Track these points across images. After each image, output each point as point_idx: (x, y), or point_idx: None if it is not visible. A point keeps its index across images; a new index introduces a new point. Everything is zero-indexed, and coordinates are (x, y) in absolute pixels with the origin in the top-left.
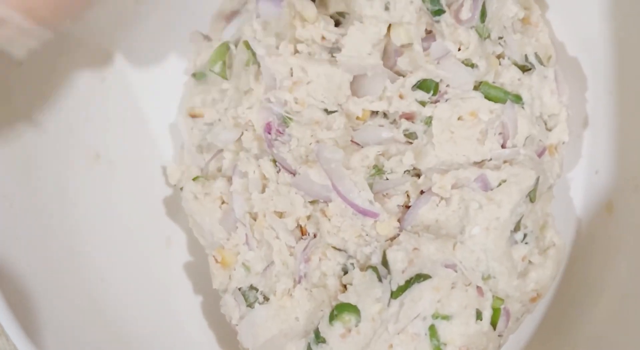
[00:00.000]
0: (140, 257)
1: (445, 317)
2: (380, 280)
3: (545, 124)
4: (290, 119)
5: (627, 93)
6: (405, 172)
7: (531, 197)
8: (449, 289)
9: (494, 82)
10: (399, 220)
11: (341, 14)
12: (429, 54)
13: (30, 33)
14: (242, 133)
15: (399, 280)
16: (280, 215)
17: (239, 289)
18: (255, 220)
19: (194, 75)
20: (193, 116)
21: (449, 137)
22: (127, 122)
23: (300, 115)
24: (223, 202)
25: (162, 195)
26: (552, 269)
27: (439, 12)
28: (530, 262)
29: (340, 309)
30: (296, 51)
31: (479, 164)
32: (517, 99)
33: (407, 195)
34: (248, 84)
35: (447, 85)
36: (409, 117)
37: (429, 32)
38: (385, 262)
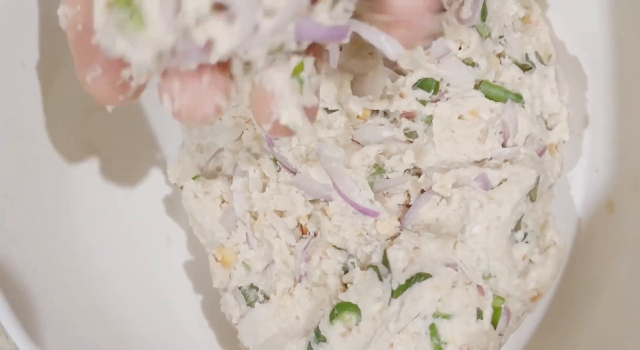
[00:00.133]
0: (140, 256)
1: (446, 316)
2: (380, 279)
3: (546, 123)
4: None
5: (628, 92)
6: (405, 171)
7: (532, 196)
8: (449, 288)
9: (494, 81)
10: (399, 219)
11: None
12: (430, 53)
13: None
14: (243, 132)
15: (399, 279)
16: (281, 214)
17: (239, 288)
18: (255, 219)
19: None
20: None
21: (449, 136)
22: (127, 120)
23: None
24: (223, 201)
25: (162, 194)
26: (552, 268)
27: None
28: (530, 261)
29: (340, 308)
30: None
31: (480, 163)
32: (518, 98)
33: (408, 194)
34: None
35: (448, 84)
36: (410, 116)
37: None
38: (385, 261)
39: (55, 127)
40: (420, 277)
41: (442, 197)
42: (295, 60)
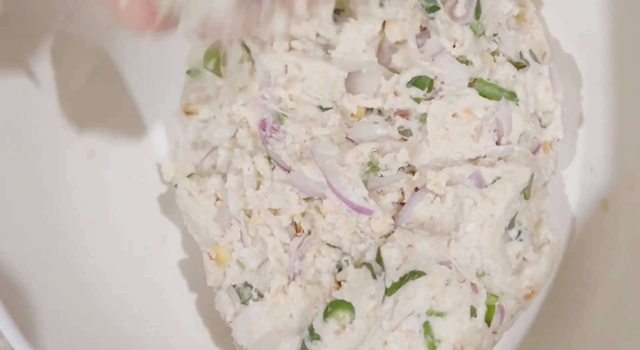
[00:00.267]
0: (135, 254)
1: (440, 314)
2: (374, 277)
3: (540, 121)
4: (284, 116)
5: (623, 90)
6: (399, 169)
7: (526, 194)
8: (443, 285)
9: (488, 79)
10: (393, 217)
11: (336, 11)
12: (424, 51)
13: None
14: (237, 130)
15: (393, 277)
16: (275, 212)
17: (234, 286)
18: (249, 217)
19: (188, 72)
20: (187, 113)
21: (443, 134)
22: (122, 119)
23: (295, 112)
24: (218, 199)
25: (157, 192)
26: (546, 266)
27: (434, 8)
28: (524, 259)
29: (334, 306)
30: (291, 48)
31: (474, 160)
32: (512, 95)
33: (402, 192)
34: (242, 81)
35: (442, 82)
36: (404, 114)
37: (423, 29)
38: (379, 259)
39: (51, 126)
40: (414, 275)
41: (436, 195)
42: None
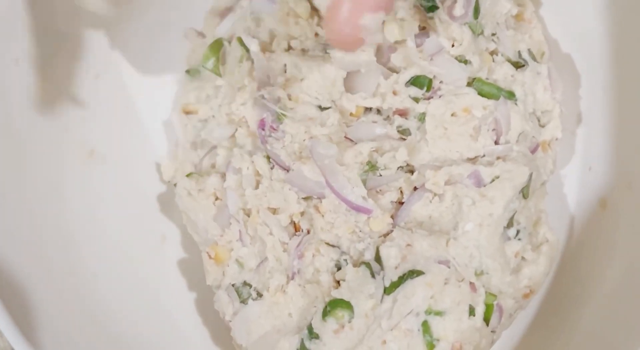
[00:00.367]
0: (134, 254)
1: (438, 313)
2: (373, 276)
3: (539, 121)
4: (283, 115)
5: (621, 89)
6: (398, 168)
7: (524, 193)
8: (442, 285)
9: (487, 79)
10: (392, 217)
11: None
12: (423, 51)
13: None
14: (236, 129)
15: (392, 276)
16: (274, 211)
17: (233, 285)
18: (248, 216)
19: (187, 71)
20: (187, 113)
21: (442, 133)
22: (121, 118)
23: (294, 112)
24: (217, 199)
25: (156, 191)
26: (545, 265)
27: (433, 8)
28: (523, 258)
29: (333, 305)
30: (290, 48)
31: (472, 160)
32: (511, 95)
33: (401, 192)
34: (242, 81)
35: (441, 82)
36: (403, 113)
37: (422, 29)
38: (378, 258)
39: (49, 125)
40: (413, 274)
41: (435, 195)
42: None
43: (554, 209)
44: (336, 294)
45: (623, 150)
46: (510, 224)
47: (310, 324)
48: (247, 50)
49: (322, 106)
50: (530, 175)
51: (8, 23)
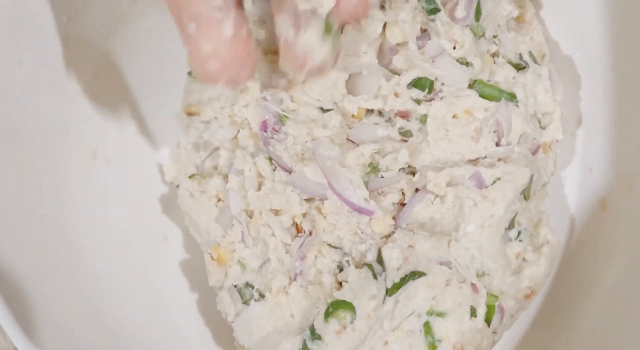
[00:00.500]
0: (136, 255)
1: (440, 314)
2: (375, 277)
3: (540, 122)
4: (286, 117)
5: (622, 91)
6: (400, 170)
7: (525, 194)
8: (443, 286)
9: (488, 81)
10: (394, 218)
11: None
12: (424, 53)
13: None
14: (239, 131)
15: (394, 277)
16: (276, 212)
17: (235, 286)
18: (251, 217)
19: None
20: (189, 114)
21: (443, 135)
22: (123, 120)
23: (296, 114)
24: (219, 200)
25: (159, 193)
26: (546, 266)
27: (434, 10)
28: (524, 259)
29: (335, 306)
30: None
31: (474, 161)
32: (512, 97)
33: (402, 193)
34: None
35: (442, 84)
36: (404, 115)
37: (424, 31)
38: (380, 260)
39: (52, 126)
40: (415, 275)
41: (437, 196)
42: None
43: (554, 210)
44: (338, 295)
45: (623, 151)
46: (511, 226)
47: (313, 325)
48: None
49: (324, 108)
50: (531, 177)
51: (11, 24)
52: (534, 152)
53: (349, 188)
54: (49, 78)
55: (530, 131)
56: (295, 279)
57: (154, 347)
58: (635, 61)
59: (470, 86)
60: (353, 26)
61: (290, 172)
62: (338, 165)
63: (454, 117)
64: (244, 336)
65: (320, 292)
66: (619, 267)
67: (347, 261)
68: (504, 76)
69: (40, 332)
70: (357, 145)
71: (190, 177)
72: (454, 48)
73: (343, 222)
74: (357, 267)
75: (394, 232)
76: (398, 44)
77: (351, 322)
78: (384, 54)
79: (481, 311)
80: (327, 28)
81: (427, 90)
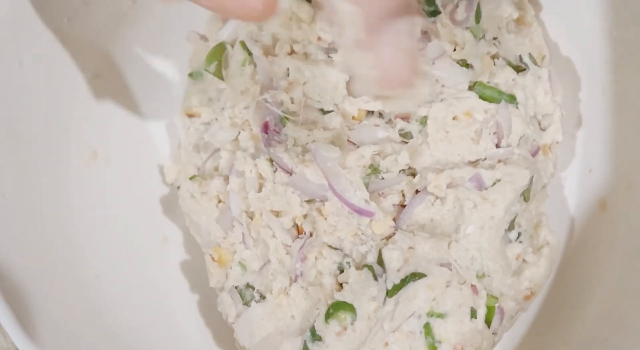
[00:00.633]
0: (136, 256)
1: (440, 315)
2: (375, 278)
3: (539, 124)
4: (286, 118)
5: (621, 93)
6: (400, 171)
7: (525, 196)
8: (443, 287)
9: (488, 82)
10: (394, 219)
11: None
12: (425, 55)
13: None
14: (239, 132)
15: (394, 278)
16: (277, 214)
17: (236, 287)
18: (251, 219)
19: (190, 75)
20: (190, 116)
21: (444, 136)
22: (124, 121)
23: (297, 115)
24: (220, 201)
25: (159, 194)
26: (545, 268)
27: (435, 13)
28: (524, 260)
29: (336, 308)
30: (292, 52)
31: (474, 163)
32: (512, 99)
33: (403, 195)
34: (244, 84)
35: (443, 85)
36: (404, 117)
37: (424, 33)
38: (380, 261)
39: (52, 126)
40: (415, 276)
41: (437, 197)
42: None
43: (554, 211)
44: (339, 296)
45: (622, 153)
46: (511, 227)
47: (313, 326)
48: (250, 54)
49: (325, 110)
50: (531, 179)
51: (11, 25)
52: (534, 154)
53: (349, 189)
54: (49, 78)
55: (530, 133)
56: (295, 280)
57: (154, 348)
58: (635, 63)
59: (471, 88)
60: None
61: (290, 174)
62: (338, 167)
63: (454, 118)
64: (245, 337)
65: (320, 293)
66: (619, 267)
67: (348, 262)
68: (504, 78)
69: (40, 332)
70: (358, 146)
71: (191, 178)
72: (454, 50)
73: (343, 223)
74: (357, 268)
75: (394, 234)
76: None
77: (352, 323)
78: None
79: (481, 312)
80: None
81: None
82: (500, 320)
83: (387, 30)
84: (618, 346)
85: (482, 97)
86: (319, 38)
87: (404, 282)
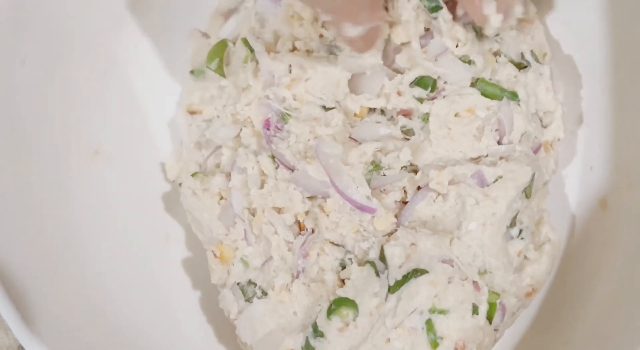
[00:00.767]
0: (138, 253)
1: (442, 312)
2: (377, 275)
3: (541, 121)
4: (288, 115)
5: (622, 90)
6: (402, 168)
7: (527, 193)
8: (445, 283)
9: (490, 79)
10: (396, 216)
11: None
12: (427, 51)
13: None
14: (241, 129)
15: (396, 275)
16: (279, 210)
17: (238, 284)
18: (253, 215)
19: (192, 72)
20: (192, 113)
21: (446, 133)
22: (126, 118)
23: (299, 112)
24: (222, 198)
25: (161, 191)
26: (547, 264)
27: (437, 8)
28: (525, 257)
29: (338, 304)
30: (294, 48)
31: (476, 160)
32: (513, 96)
33: (405, 191)
34: (246, 81)
35: (445, 82)
36: (407, 113)
37: (426, 30)
38: (382, 257)
39: (52, 126)
40: (417, 273)
41: (439, 194)
42: None
43: (555, 208)
44: (341, 292)
45: (624, 150)
46: (513, 224)
47: (315, 323)
48: (252, 50)
49: (327, 106)
50: (533, 175)
51: (14, 23)
52: (536, 151)
53: (351, 186)
54: (49, 78)
55: (531, 130)
56: (297, 277)
57: (156, 345)
58: (636, 60)
59: (473, 85)
60: None
61: (292, 170)
62: (340, 163)
63: (456, 115)
64: (247, 334)
65: (322, 289)
66: (619, 265)
67: (350, 259)
68: (505, 75)
69: (42, 329)
70: (360, 143)
71: (192, 175)
72: (457, 46)
73: (345, 219)
74: (359, 264)
75: (396, 230)
76: (401, 43)
77: (353, 320)
78: (388, 53)
79: (483, 309)
80: None
81: (429, 89)
82: (501, 317)
83: None
84: (619, 344)
85: (484, 94)
86: (321, 35)
87: (406, 278)
